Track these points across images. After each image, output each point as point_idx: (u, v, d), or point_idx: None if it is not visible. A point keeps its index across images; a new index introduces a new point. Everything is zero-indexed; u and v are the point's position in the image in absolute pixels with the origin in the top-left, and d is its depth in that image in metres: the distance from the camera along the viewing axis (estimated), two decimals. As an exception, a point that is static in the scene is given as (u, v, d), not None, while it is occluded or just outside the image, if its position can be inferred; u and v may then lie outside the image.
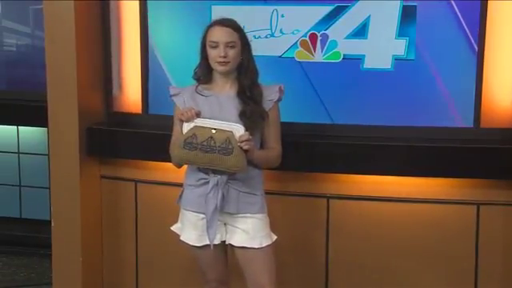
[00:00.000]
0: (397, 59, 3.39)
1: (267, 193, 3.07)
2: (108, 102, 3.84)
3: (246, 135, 2.81)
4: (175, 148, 2.92)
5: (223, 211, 2.93)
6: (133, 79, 3.80)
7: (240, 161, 2.82)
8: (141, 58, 3.75)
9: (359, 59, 3.43)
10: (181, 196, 3.07)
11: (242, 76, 2.97)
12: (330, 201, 3.49)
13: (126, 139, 3.70)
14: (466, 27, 3.32)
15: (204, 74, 3.01)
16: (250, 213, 2.97)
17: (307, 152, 3.40)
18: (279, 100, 3.02)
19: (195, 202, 2.98)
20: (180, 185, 3.10)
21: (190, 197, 3.01)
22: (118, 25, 3.79)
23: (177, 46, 3.69)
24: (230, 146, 2.79)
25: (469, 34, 3.33)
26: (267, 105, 2.99)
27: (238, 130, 2.82)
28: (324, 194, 3.50)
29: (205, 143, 2.81)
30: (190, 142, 2.83)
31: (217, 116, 2.90)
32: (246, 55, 2.97)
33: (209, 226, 2.93)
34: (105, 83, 3.82)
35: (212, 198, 2.91)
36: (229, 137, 2.80)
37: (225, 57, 2.90)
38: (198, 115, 2.89)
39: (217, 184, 2.91)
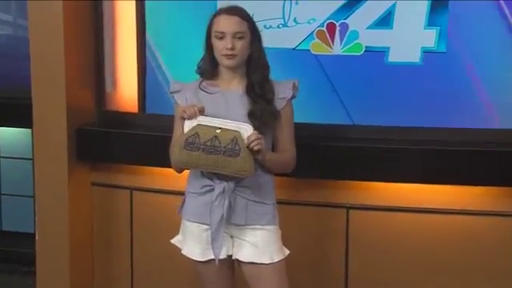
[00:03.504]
0: (426, 52, 3.33)
1: (279, 202, 2.97)
2: (100, 99, 3.80)
3: (255, 134, 2.71)
4: (175, 149, 2.79)
5: (230, 222, 2.83)
6: (128, 74, 3.75)
7: (247, 163, 2.70)
8: (137, 52, 3.70)
9: (383, 52, 3.38)
10: (182, 205, 2.96)
11: (251, 71, 2.88)
12: (350, 211, 3.43)
13: (120, 141, 3.64)
14: (508, 15, 3.23)
15: (209, 68, 2.91)
16: (260, 224, 2.87)
17: (324, 156, 3.33)
18: (293, 98, 2.92)
19: (198, 211, 2.87)
20: (181, 193, 3.00)
21: (193, 206, 2.90)
22: (112, 15, 3.74)
23: (178, 40, 3.65)
24: (237, 147, 2.68)
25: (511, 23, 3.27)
26: (279, 103, 2.88)
27: (247, 130, 2.72)
28: (343, 203, 3.43)
29: (208, 143, 2.69)
30: (191, 141, 2.71)
31: (223, 115, 2.79)
32: (256, 47, 2.87)
33: (214, 239, 2.82)
34: (97, 79, 3.77)
35: (217, 208, 2.80)
36: (236, 136, 2.69)
37: (232, 49, 2.80)
38: (202, 112, 2.77)
39: (223, 191, 2.80)
